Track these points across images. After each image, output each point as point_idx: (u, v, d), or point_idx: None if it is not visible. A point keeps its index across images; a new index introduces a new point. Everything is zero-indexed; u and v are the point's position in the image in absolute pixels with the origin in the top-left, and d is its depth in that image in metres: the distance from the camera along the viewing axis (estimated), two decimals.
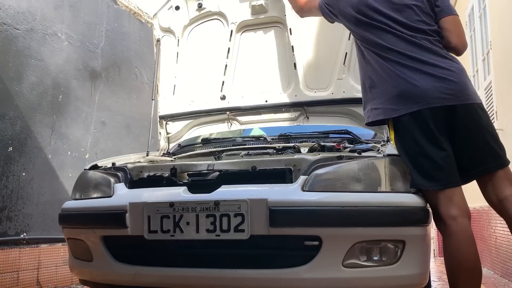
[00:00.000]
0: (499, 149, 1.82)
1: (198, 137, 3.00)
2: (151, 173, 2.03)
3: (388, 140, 2.17)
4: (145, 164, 2.20)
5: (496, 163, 1.80)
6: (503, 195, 1.78)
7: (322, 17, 2.20)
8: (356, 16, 1.95)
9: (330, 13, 2.11)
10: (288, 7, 2.68)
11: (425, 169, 1.72)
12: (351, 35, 2.12)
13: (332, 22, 2.21)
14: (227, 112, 2.80)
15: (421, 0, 1.93)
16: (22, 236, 3.32)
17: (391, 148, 1.84)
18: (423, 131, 1.74)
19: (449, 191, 1.71)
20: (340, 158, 1.76)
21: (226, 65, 2.79)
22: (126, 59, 4.62)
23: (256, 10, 2.71)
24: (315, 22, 2.67)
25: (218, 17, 2.85)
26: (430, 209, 1.73)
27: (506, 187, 1.78)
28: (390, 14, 1.89)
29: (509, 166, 1.85)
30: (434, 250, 6.45)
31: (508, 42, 3.81)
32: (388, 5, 1.91)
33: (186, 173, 2.00)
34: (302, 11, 2.36)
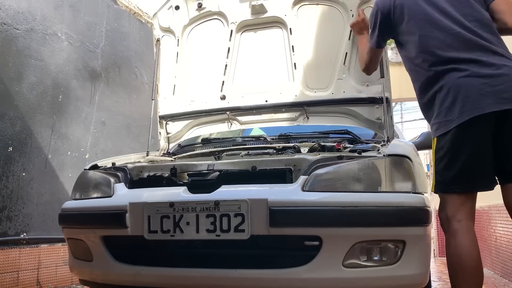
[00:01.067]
0: None
1: (198, 137, 3.00)
2: (151, 173, 2.03)
3: (388, 140, 2.18)
4: (145, 164, 2.20)
5: None
6: None
7: (379, 48, 2.11)
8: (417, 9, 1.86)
9: (386, 23, 1.98)
10: (289, 7, 2.68)
11: (459, 174, 1.72)
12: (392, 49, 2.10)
13: (383, 46, 2.10)
14: (227, 112, 2.80)
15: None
16: (22, 236, 3.32)
17: (391, 148, 1.83)
18: (475, 140, 1.70)
19: (467, 196, 1.74)
20: (340, 158, 1.76)
21: (226, 65, 2.78)
22: (126, 59, 4.62)
23: (256, 10, 2.71)
24: (315, 22, 2.66)
25: (218, 17, 2.84)
26: (430, 209, 1.73)
27: None
28: (446, 9, 1.83)
29: None
30: (434, 250, 6.44)
31: (507, 42, 3.81)
32: None
33: (186, 173, 2.00)
34: (368, 69, 2.22)
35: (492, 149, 1.73)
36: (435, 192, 1.82)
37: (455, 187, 1.75)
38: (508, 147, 1.73)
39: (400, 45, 2.02)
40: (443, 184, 1.78)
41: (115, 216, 1.82)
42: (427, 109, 1.88)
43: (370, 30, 2.09)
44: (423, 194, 1.75)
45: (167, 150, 2.88)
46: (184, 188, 1.81)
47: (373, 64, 2.19)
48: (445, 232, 1.79)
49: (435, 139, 1.81)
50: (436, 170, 1.80)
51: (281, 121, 2.81)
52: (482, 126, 1.69)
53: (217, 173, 1.87)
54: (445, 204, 1.79)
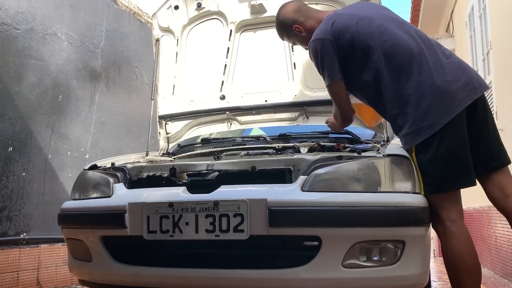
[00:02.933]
0: (503, 145, 1.87)
1: (197, 137, 3.00)
2: (151, 173, 2.02)
3: (388, 140, 2.17)
4: (144, 164, 2.19)
5: (507, 159, 1.85)
6: (510, 190, 1.80)
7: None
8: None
9: (339, 50, 1.86)
10: None
11: (450, 171, 1.72)
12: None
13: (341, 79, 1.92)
14: (227, 112, 2.80)
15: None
16: (22, 236, 3.32)
17: (391, 148, 1.83)
18: (458, 136, 1.73)
19: (456, 193, 1.74)
20: (340, 158, 1.75)
21: (225, 65, 2.78)
22: (126, 59, 4.62)
23: (256, 9, 2.71)
24: None
25: (218, 17, 2.84)
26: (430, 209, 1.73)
27: (509, 186, 1.81)
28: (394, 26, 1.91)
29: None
30: (434, 250, 6.44)
31: (508, 42, 3.81)
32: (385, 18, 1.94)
33: (185, 173, 1.99)
34: (349, 114, 2.02)
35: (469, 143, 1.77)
36: (426, 193, 1.76)
37: (448, 184, 1.73)
38: (482, 133, 1.79)
39: (355, 70, 1.89)
40: (434, 185, 1.73)
41: (114, 216, 1.81)
42: (398, 120, 1.82)
43: (326, 66, 1.90)
44: (422, 194, 1.74)
45: (167, 150, 2.88)
46: (184, 188, 1.80)
47: (348, 103, 1.99)
48: (439, 233, 1.77)
49: (415, 147, 1.76)
50: (424, 171, 1.74)
51: (281, 121, 2.81)
52: (460, 122, 1.73)
53: (217, 173, 1.87)
54: (434, 205, 1.74)
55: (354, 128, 2.61)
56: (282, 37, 2.20)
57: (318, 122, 2.72)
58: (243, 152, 2.34)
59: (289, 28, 2.06)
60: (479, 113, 1.79)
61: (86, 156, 3.99)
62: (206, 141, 2.84)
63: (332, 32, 1.87)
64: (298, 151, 2.20)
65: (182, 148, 2.88)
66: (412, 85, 1.76)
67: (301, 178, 1.70)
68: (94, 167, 2.18)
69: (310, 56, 1.98)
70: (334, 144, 2.27)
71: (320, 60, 1.89)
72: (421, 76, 1.76)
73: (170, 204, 1.72)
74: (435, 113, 1.72)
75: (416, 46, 1.82)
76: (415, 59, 1.79)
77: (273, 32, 2.74)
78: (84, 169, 2.18)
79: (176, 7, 2.86)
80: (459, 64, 1.82)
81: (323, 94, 2.63)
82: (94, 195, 2.02)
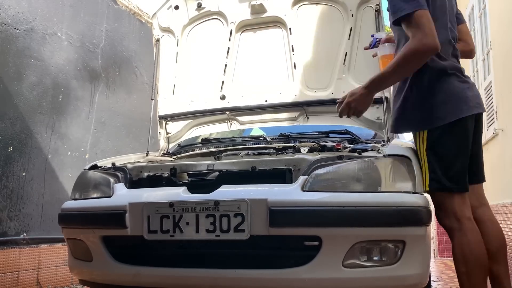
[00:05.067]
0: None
1: (198, 137, 3.00)
2: (151, 173, 2.02)
3: (388, 140, 2.17)
4: (145, 164, 2.19)
5: (484, 175, 1.98)
6: (485, 201, 1.97)
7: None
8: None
9: None
10: (288, 7, 2.68)
11: (455, 173, 1.77)
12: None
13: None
14: (227, 112, 2.80)
15: (454, 4, 1.99)
16: (22, 236, 3.32)
17: (391, 148, 1.83)
18: (464, 137, 1.80)
19: (466, 194, 1.80)
20: (340, 158, 1.76)
21: (225, 65, 2.78)
22: (126, 59, 4.62)
23: (256, 9, 2.71)
24: (314, 21, 2.66)
25: (218, 17, 2.84)
26: (430, 209, 1.73)
27: (484, 197, 1.96)
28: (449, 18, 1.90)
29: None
30: (434, 250, 6.43)
31: (508, 42, 3.81)
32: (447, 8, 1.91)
33: (186, 173, 2.00)
34: (436, 41, 2.01)
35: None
36: (431, 190, 1.80)
37: (454, 185, 1.77)
38: (477, 147, 1.90)
39: None
40: (440, 183, 1.77)
41: (115, 216, 1.81)
42: (408, 102, 1.85)
43: None
44: (423, 194, 1.75)
45: (167, 150, 2.88)
46: (184, 188, 1.81)
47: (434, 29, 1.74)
48: (454, 230, 1.81)
49: (426, 142, 1.79)
50: (432, 168, 1.78)
51: (281, 121, 2.81)
52: (468, 126, 1.80)
53: (217, 173, 1.87)
54: (449, 203, 1.79)
55: (354, 128, 2.61)
56: None
57: (318, 122, 2.72)
58: (243, 152, 2.34)
59: None
60: (477, 129, 1.89)
61: (86, 156, 3.99)
62: (206, 141, 2.84)
63: None
64: (298, 151, 2.20)
65: (182, 148, 2.88)
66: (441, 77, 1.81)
67: (302, 178, 1.70)
68: (94, 167, 2.18)
69: None
70: (334, 144, 2.28)
71: None
72: (447, 73, 1.82)
73: (171, 204, 1.73)
74: (446, 109, 1.77)
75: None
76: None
77: (273, 32, 2.76)
78: (84, 169, 2.18)
79: (177, 7, 2.86)
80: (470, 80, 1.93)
81: (323, 94, 2.64)
82: (95, 195, 2.02)
